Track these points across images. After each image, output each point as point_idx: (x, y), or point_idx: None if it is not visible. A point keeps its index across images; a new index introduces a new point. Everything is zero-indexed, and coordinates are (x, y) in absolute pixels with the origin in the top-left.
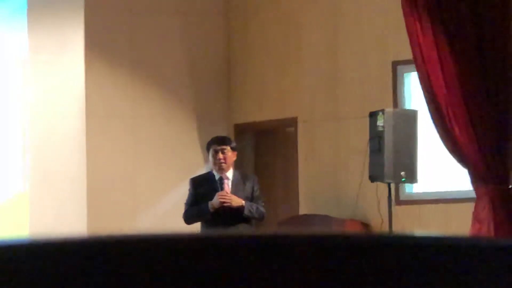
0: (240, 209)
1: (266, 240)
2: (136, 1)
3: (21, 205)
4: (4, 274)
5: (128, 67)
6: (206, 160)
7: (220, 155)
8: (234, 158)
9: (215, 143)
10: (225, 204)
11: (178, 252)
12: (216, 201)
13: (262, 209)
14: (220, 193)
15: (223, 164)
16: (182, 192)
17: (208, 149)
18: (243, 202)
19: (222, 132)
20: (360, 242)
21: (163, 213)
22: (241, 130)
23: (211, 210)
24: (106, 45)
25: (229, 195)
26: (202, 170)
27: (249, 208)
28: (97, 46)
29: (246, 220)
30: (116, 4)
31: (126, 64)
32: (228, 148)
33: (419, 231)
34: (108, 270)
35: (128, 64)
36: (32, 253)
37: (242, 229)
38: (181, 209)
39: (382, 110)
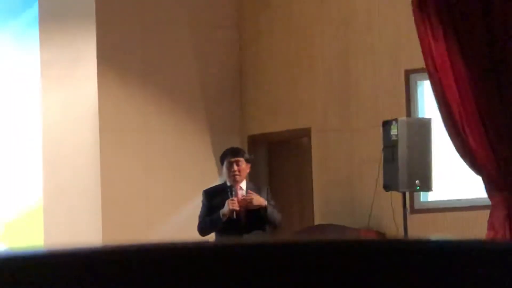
0: (260, 210)
1: (280, 248)
2: (148, 14)
3: (35, 219)
4: (20, 285)
5: (141, 80)
6: (220, 172)
7: (235, 167)
8: (248, 170)
9: (229, 155)
10: (237, 209)
11: (194, 261)
12: (226, 208)
13: (279, 215)
14: (230, 199)
15: (237, 176)
16: (195, 204)
17: (222, 161)
18: (265, 202)
19: (235, 144)
20: (375, 247)
21: (177, 225)
22: (254, 141)
23: (223, 218)
24: (118, 59)
25: (251, 193)
26: (216, 182)
27: (271, 209)
28: (109, 60)
29: (260, 227)
30: (127, 18)
31: (138, 78)
32: (242, 159)
33: (435, 236)
34: (123, 279)
35: (141, 77)
36: (47, 263)
37: (256, 236)
38: (195, 221)
39: (396, 119)
